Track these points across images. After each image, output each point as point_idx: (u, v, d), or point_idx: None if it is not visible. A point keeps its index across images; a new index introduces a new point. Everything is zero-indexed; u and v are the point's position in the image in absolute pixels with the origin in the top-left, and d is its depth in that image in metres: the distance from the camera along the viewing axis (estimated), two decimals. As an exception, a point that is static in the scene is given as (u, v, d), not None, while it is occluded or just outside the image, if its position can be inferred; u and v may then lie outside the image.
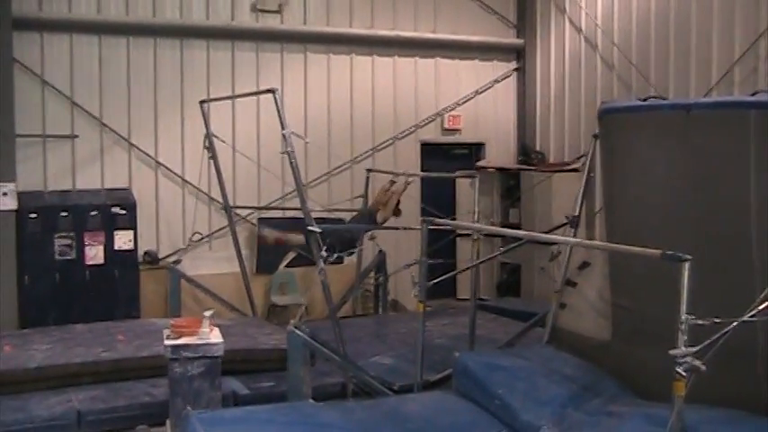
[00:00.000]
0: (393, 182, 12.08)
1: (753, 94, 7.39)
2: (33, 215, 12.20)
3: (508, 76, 16.05)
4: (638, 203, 7.77)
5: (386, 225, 12.03)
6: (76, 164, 13.02)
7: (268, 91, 10.14)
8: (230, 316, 12.24)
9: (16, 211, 12.05)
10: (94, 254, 12.48)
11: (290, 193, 13.39)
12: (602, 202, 8.81)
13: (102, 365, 9.69)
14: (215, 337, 8.27)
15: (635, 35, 13.62)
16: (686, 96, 12.22)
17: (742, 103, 7.20)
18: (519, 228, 14.45)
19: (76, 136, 12.97)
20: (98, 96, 13.10)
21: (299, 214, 10.50)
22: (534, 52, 15.83)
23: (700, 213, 7.03)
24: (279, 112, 9.96)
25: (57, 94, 12.82)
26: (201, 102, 12.14)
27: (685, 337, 5.15)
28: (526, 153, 15.72)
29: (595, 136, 8.67)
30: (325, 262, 9.68)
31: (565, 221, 9.33)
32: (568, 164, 14.43)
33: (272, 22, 14.14)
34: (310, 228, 9.59)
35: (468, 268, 10.25)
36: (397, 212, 11.94)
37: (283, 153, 9.98)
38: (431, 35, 15.21)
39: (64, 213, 12.35)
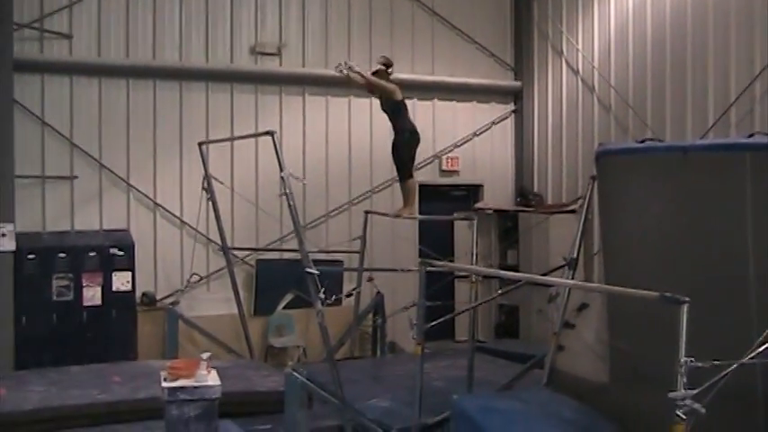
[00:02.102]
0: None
1: (749, 136, 7.44)
2: (31, 256, 12.20)
3: (506, 118, 16.14)
4: (636, 245, 7.76)
5: (384, 268, 11.94)
6: (75, 205, 13.08)
7: (266, 133, 10.20)
8: (228, 358, 12.19)
9: (14, 251, 12.03)
10: (92, 295, 12.47)
11: (288, 235, 13.41)
12: (599, 244, 8.83)
13: (97, 408, 9.62)
14: (212, 379, 8.23)
15: (632, 77, 13.71)
16: (683, 138, 12.29)
17: (738, 145, 7.24)
18: (517, 269, 14.48)
19: (76, 177, 13.04)
20: (97, 138, 13.19)
21: (297, 256, 10.47)
22: (531, 94, 15.94)
23: (697, 255, 7.02)
24: (277, 153, 10.00)
25: (56, 136, 12.90)
26: (200, 143, 12.20)
27: (684, 380, 5.13)
28: (524, 195, 15.76)
29: (593, 177, 8.71)
30: (322, 304, 9.66)
31: (563, 263, 9.33)
32: (566, 205, 14.47)
33: (270, 65, 14.28)
34: (308, 270, 9.57)
35: (465, 310, 10.25)
36: (381, 73, 11.37)
37: (281, 195, 10.00)
38: (428, 77, 15.32)
39: (62, 254, 12.35)
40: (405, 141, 11.34)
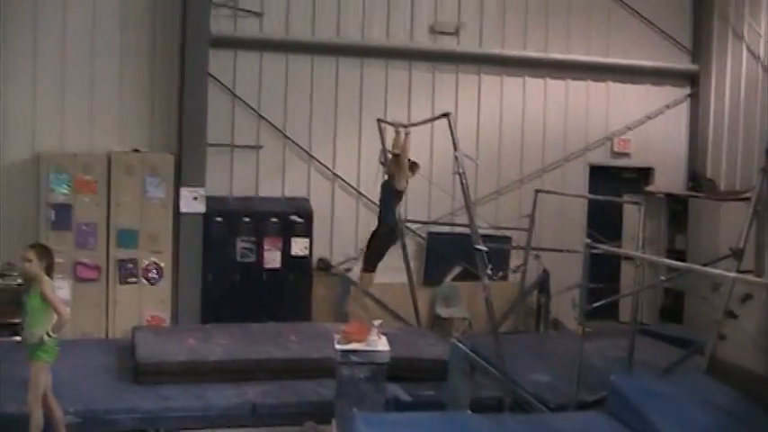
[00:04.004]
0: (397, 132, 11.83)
1: None
2: (219, 219, 12.96)
3: (681, 102, 15.91)
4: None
5: (549, 248, 12.10)
6: (260, 172, 13.79)
7: (443, 116, 10.55)
8: (396, 325, 12.63)
9: (204, 214, 12.81)
10: (272, 258, 13.15)
11: (459, 209, 13.58)
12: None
13: (275, 363, 10.39)
14: (382, 344, 8.77)
15: (816, 65, 13.35)
16: None
17: None
18: (685, 254, 14.37)
19: (261, 147, 13.77)
20: (283, 110, 13.85)
21: (466, 230, 10.71)
22: (709, 78, 15.63)
23: None
24: (452, 133, 10.35)
25: (245, 108, 13.65)
26: (379, 120, 12.72)
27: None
28: (696, 180, 15.55)
29: (764, 170, 8.71)
30: (489, 279, 9.99)
31: (729, 253, 9.35)
32: (739, 193, 14.19)
33: (448, 44, 14.60)
34: (477, 246, 9.92)
35: (628, 294, 10.37)
36: (414, 168, 11.89)
37: (455, 173, 10.37)
38: (603, 59, 15.29)
39: (246, 219, 13.06)
40: (383, 234, 11.85)
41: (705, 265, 9.84)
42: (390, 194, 11.83)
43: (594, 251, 8.55)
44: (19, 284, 10.97)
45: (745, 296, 8.99)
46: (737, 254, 9.08)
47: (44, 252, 8.33)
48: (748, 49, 14.84)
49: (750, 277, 8.63)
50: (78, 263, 12.25)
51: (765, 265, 11.44)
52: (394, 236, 12.16)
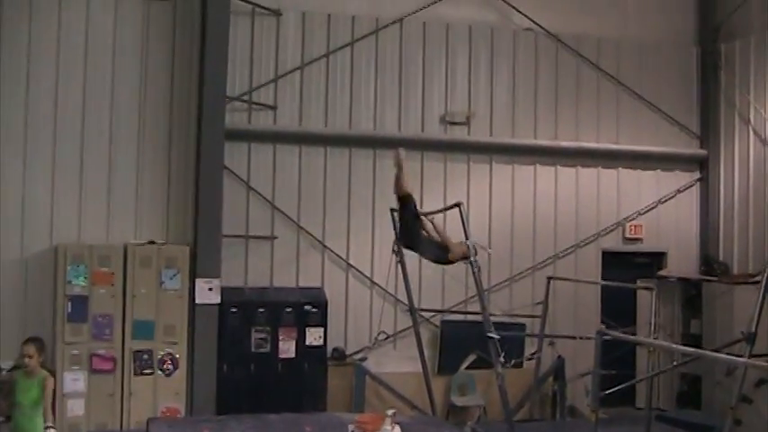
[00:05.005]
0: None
1: None
2: (234, 309, 13.03)
3: (691, 186, 16.07)
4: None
5: (562, 335, 12.09)
6: (275, 263, 13.92)
7: (454, 206, 10.65)
8: (411, 414, 12.51)
9: (219, 304, 12.83)
10: (287, 348, 13.16)
11: (472, 297, 13.60)
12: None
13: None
14: (396, 434, 8.78)
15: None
16: None
17: None
18: (700, 339, 14.37)
19: (276, 237, 13.93)
20: (296, 201, 14.05)
21: (480, 318, 10.71)
22: (718, 162, 15.84)
23: None
24: (463, 223, 10.47)
25: (260, 199, 13.87)
26: (392, 210, 12.88)
27: None
28: (708, 263, 15.61)
29: (772, 254, 8.80)
30: (502, 367, 10.01)
31: (740, 337, 9.38)
32: (752, 276, 14.23)
33: (459, 134, 14.85)
34: (489, 334, 9.97)
35: (641, 380, 10.38)
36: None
37: (467, 262, 10.48)
38: (613, 146, 15.53)
39: (261, 309, 13.14)
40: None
41: (718, 349, 9.85)
42: (436, 251, 11.22)
43: (606, 338, 8.59)
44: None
45: (760, 380, 9.02)
46: (749, 338, 9.10)
47: (42, 346, 8.46)
48: (755, 132, 15.07)
49: (760, 362, 8.63)
50: (94, 354, 12.29)
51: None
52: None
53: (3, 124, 12.75)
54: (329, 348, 13.57)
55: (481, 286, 10.56)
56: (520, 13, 15.13)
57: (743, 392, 9.12)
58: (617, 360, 10.41)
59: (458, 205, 10.55)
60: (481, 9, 15.09)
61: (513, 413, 10.95)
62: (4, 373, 11.82)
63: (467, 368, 14.08)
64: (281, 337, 13.17)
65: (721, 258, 15.57)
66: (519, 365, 13.67)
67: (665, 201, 15.93)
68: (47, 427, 8.08)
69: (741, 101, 15.40)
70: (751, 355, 9.14)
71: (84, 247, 12.54)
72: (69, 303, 12.25)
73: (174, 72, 13.49)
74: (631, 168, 15.77)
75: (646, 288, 12.54)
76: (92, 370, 12.29)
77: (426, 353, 13.55)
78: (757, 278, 13.78)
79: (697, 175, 16.13)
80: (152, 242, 12.97)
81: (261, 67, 14.00)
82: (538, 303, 13.76)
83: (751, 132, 15.17)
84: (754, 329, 9.11)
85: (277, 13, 14.04)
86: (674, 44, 16.13)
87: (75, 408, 12.19)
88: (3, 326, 12.40)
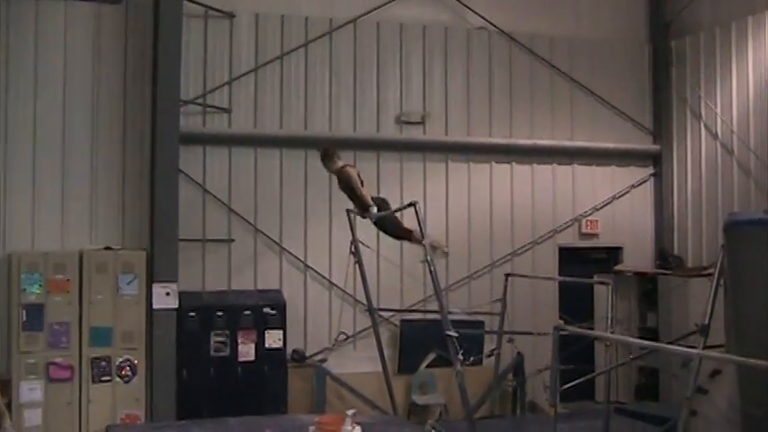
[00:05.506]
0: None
1: None
2: (192, 314, 12.95)
3: (645, 181, 16.27)
4: (766, 316, 7.90)
5: (521, 331, 12.17)
6: (232, 266, 13.88)
7: (410, 205, 10.67)
8: (372, 414, 12.56)
9: (177, 309, 12.71)
10: (247, 351, 13.11)
11: (431, 296, 13.63)
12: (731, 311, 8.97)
13: (252, 458, 10.31)
14: (357, 434, 8.78)
15: (772, 141, 13.69)
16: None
17: None
18: (656, 332, 14.52)
19: (233, 240, 13.88)
20: (253, 204, 14.02)
21: (439, 317, 10.79)
22: (671, 158, 16.06)
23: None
24: (419, 222, 10.53)
25: (216, 202, 13.80)
26: (348, 210, 12.87)
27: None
28: (664, 257, 15.80)
29: (724, 246, 8.91)
30: (461, 364, 10.05)
31: (695, 329, 9.49)
32: (706, 268, 14.39)
33: (414, 133, 14.89)
34: (447, 332, 10.00)
35: (599, 373, 10.47)
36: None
37: (423, 262, 10.52)
38: (568, 143, 15.68)
39: (220, 313, 13.07)
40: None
41: (673, 342, 9.97)
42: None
43: (563, 333, 8.65)
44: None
45: (714, 371, 9.12)
46: (703, 330, 9.22)
47: None
48: (706, 127, 15.27)
49: (714, 353, 8.76)
50: (51, 363, 12.16)
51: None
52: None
53: (-48, 132, 12.58)
54: (289, 350, 13.53)
55: (438, 285, 10.61)
56: (473, 12, 15.19)
57: (698, 384, 9.22)
58: (575, 355, 10.47)
59: (413, 204, 10.57)
60: (435, 9, 15.14)
61: (474, 411, 10.98)
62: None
63: (427, 367, 14.08)
64: (240, 341, 13.11)
65: (676, 252, 15.78)
66: (478, 363, 13.71)
67: (620, 196, 16.10)
68: None
69: (692, 96, 15.59)
70: (705, 347, 9.27)
71: (39, 255, 12.39)
72: (24, 312, 12.10)
73: (127, 76, 13.37)
74: (586, 165, 15.93)
75: (602, 283, 12.64)
76: (49, 379, 12.15)
77: (386, 352, 13.55)
78: (711, 270, 13.98)
79: (651, 170, 16.33)
80: (108, 248, 12.86)
81: (215, 70, 13.93)
82: (496, 301, 13.80)
83: (702, 127, 15.37)
84: (707, 321, 9.24)
85: (230, 15, 13.99)
86: (626, 42, 16.32)
87: (33, 418, 12.03)
88: (-43, 336, 12.23)
